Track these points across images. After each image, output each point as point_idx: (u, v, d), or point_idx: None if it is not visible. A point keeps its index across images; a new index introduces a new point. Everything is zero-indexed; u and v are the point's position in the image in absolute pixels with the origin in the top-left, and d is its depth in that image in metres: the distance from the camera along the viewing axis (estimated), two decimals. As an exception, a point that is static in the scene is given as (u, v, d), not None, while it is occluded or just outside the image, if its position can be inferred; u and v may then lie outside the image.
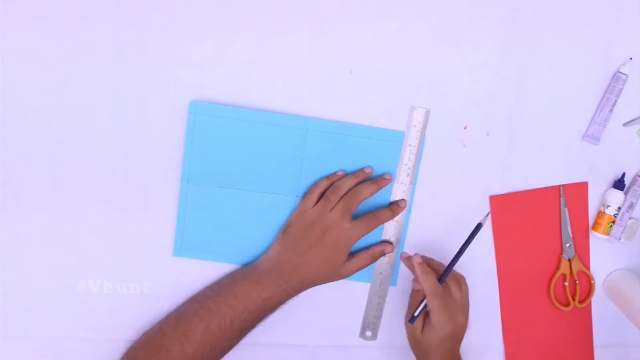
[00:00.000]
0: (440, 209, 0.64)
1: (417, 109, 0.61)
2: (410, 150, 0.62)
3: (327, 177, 0.60)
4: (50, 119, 0.57)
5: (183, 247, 0.61)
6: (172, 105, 0.58)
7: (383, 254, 0.61)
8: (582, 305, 0.68)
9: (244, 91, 0.59)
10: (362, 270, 0.60)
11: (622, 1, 0.63)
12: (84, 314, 0.61)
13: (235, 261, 0.62)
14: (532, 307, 0.68)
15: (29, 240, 0.59)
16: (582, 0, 0.62)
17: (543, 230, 0.67)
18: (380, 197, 0.61)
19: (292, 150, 0.60)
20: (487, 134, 0.63)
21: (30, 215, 0.59)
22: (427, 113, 0.62)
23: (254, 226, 0.61)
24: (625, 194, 0.66)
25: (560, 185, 0.66)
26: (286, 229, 0.59)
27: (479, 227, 0.60)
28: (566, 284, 0.67)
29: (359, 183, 0.59)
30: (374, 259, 0.61)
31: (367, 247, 0.61)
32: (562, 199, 0.66)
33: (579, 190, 0.66)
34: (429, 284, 0.57)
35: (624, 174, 0.66)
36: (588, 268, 0.68)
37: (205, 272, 0.62)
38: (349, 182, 0.59)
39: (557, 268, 0.67)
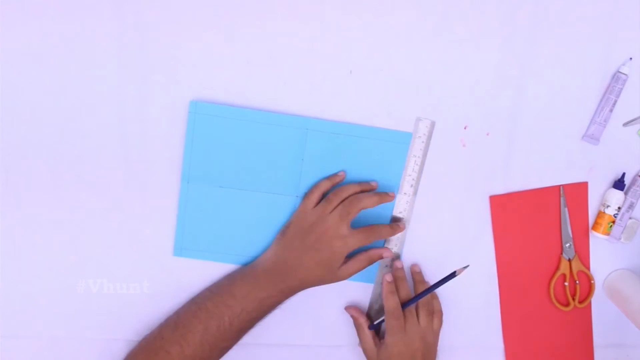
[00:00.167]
0: (440, 209, 0.64)
1: (422, 120, 0.61)
2: (415, 161, 0.62)
3: (329, 177, 0.60)
4: (50, 118, 0.57)
5: (183, 247, 0.61)
6: (172, 105, 0.58)
7: (381, 257, 0.60)
8: (582, 305, 0.68)
9: (244, 91, 0.59)
10: (364, 271, 0.60)
11: (622, 1, 0.63)
12: (84, 314, 0.61)
13: (235, 261, 0.62)
14: (532, 307, 0.68)
15: (29, 240, 0.59)
16: (582, 0, 0.62)
17: (543, 230, 0.67)
18: (382, 209, 0.61)
19: (292, 150, 0.60)
20: (487, 134, 0.63)
21: (30, 215, 0.59)
22: (432, 124, 0.62)
23: (254, 226, 0.61)
24: (625, 194, 0.66)
25: (560, 185, 0.66)
26: (285, 230, 0.59)
27: (452, 275, 0.59)
28: (566, 284, 0.67)
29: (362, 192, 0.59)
30: (372, 262, 0.60)
31: (366, 249, 0.61)
32: (562, 199, 0.66)
33: (579, 190, 0.66)
34: (389, 303, 0.60)
35: (624, 174, 0.66)
36: (588, 268, 0.68)
37: (205, 272, 0.62)
38: (353, 188, 0.59)
39: (557, 268, 0.67)
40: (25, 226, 0.59)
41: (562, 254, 0.67)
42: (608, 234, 0.66)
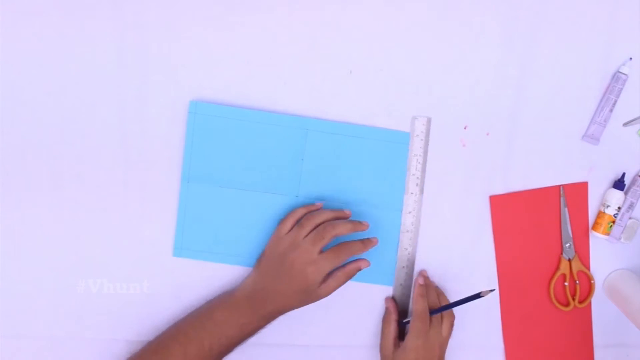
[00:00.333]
0: (440, 209, 0.64)
1: (418, 118, 0.61)
2: (417, 159, 0.62)
3: (305, 206, 0.59)
4: (50, 119, 0.57)
5: (183, 247, 0.61)
6: (172, 105, 0.58)
7: (359, 269, 0.59)
8: (582, 305, 0.68)
9: (244, 91, 0.59)
10: (381, 273, 0.61)
11: (622, 1, 0.63)
12: (84, 314, 0.61)
13: (235, 261, 0.62)
14: (532, 307, 0.68)
15: (29, 240, 0.59)
16: (582, 0, 0.62)
17: (543, 230, 0.67)
18: (393, 207, 0.62)
19: (292, 150, 0.60)
20: (487, 134, 0.63)
21: (30, 215, 0.59)
22: (429, 121, 0.62)
23: (254, 226, 0.61)
24: (625, 194, 0.66)
25: (560, 185, 0.66)
26: (261, 257, 0.60)
27: (477, 296, 0.57)
28: (566, 284, 0.67)
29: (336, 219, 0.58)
30: (350, 276, 0.58)
31: (343, 265, 0.58)
32: (562, 199, 0.66)
33: (579, 190, 0.66)
34: (418, 306, 0.60)
35: (624, 174, 0.66)
36: (588, 268, 0.68)
37: (205, 272, 0.62)
38: (327, 214, 0.58)
39: (557, 268, 0.67)
40: (25, 226, 0.59)
41: (562, 254, 0.67)
42: (608, 234, 0.66)
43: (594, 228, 0.67)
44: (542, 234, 0.67)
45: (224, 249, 0.62)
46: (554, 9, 0.62)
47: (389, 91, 0.61)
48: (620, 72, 0.63)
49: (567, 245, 0.67)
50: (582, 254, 0.68)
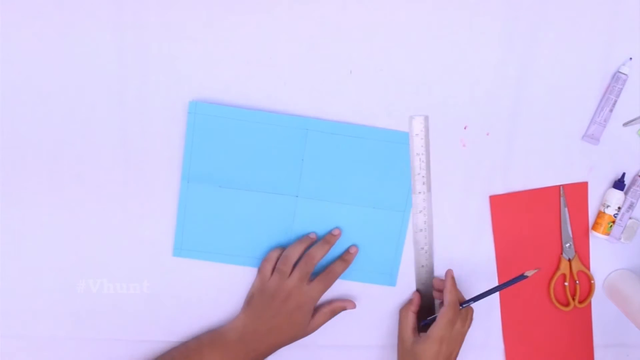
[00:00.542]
0: (441, 209, 0.64)
1: (415, 117, 0.61)
2: (420, 158, 0.62)
3: (276, 249, 0.61)
4: (50, 119, 0.57)
5: (183, 247, 0.61)
6: (172, 105, 0.58)
7: (344, 308, 0.63)
8: (582, 305, 0.68)
9: (244, 91, 0.59)
10: (384, 274, 0.63)
11: (622, 1, 0.63)
12: (84, 314, 0.61)
13: (235, 261, 0.62)
14: (532, 307, 0.68)
15: (29, 240, 0.59)
16: (582, 0, 0.62)
17: (543, 230, 0.67)
18: (393, 208, 0.62)
19: (292, 150, 0.60)
20: (487, 134, 0.63)
21: (30, 215, 0.59)
22: (426, 119, 0.62)
23: (254, 226, 0.61)
24: (625, 194, 0.66)
25: (560, 185, 0.66)
26: (250, 300, 0.60)
27: (521, 277, 0.58)
28: (566, 284, 0.67)
29: (308, 247, 0.60)
30: (335, 314, 0.63)
31: (329, 302, 0.63)
32: (562, 199, 0.66)
33: (579, 190, 0.66)
34: (452, 296, 0.59)
35: (624, 174, 0.66)
36: (588, 268, 0.68)
37: (205, 272, 0.62)
38: (297, 250, 0.60)
39: (557, 268, 0.67)
40: (25, 226, 0.59)
41: (562, 254, 0.67)
42: (608, 234, 0.66)
43: (594, 228, 0.67)
44: (542, 234, 0.67)
45: (223, 248, 0.62)
46: (554, 9, 0.62)
47: (389, 91, 0.61)
48: (620, 72, 0.63)
49: (567, 245, 0.67)
50: (582, 254, 0.68)
